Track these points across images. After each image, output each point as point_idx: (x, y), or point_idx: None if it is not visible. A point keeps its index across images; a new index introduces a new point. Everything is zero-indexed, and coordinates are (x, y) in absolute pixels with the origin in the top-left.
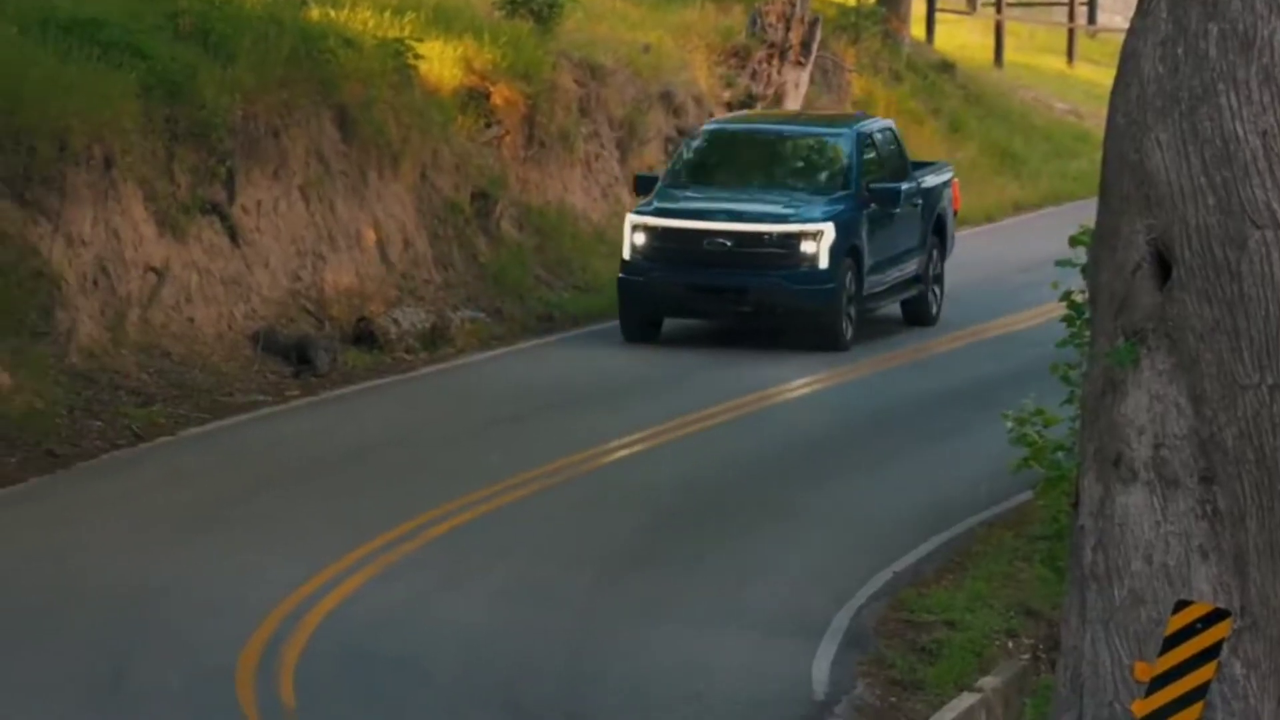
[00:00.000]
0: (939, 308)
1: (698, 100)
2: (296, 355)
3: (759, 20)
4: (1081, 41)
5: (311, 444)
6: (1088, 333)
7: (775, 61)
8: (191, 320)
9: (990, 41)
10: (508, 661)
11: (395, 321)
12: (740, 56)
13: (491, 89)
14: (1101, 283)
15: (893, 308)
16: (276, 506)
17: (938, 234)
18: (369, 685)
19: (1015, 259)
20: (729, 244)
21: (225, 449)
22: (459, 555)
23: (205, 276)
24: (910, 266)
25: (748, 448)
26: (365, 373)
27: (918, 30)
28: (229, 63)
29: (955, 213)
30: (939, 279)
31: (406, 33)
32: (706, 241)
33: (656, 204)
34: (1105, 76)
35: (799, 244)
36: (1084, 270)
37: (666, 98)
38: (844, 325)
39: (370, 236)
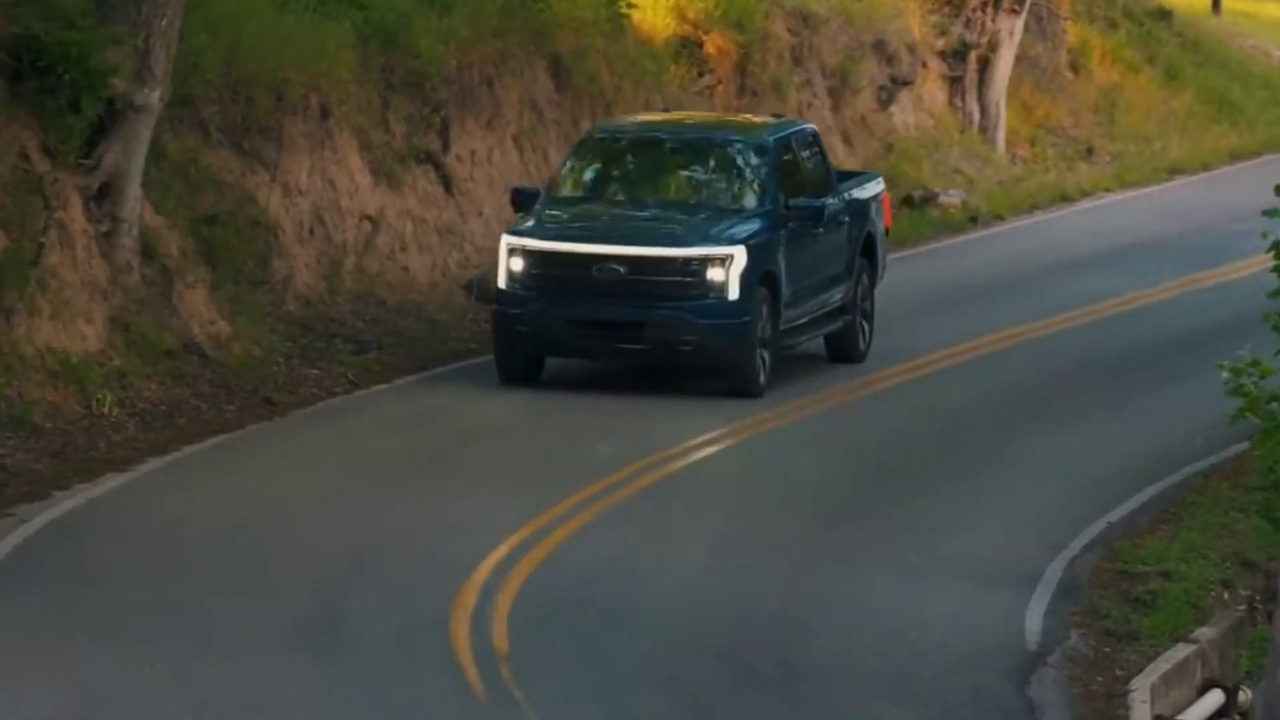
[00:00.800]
0: (869, 341)
1: (910, 49)
2: None
3: None
4: None
5: (524, 392)
6: None
7: (989, 9)
8: (406, 269)
9: None
10: (720, 609)
11: None
12: (954, 4)
13: (704, 38)
14: None
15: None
16: (490, 455)
17: (867, 256)
18: (582, 633)
19: (1230, 208)
20: (622, 270)
21: (439, 397)
22: (669, 504)
23: (419, 225)
24: (835, 295)
25: (960, 395)
26: None
27: None
28: (444, 13)
29: (887, 231)
30: (867, 309)
31: None
32: (596, 268)
33: (537, 223)
34: None
35: (705, 271)
36: None
37: (879, 46)
38: (758, 366)
39: None
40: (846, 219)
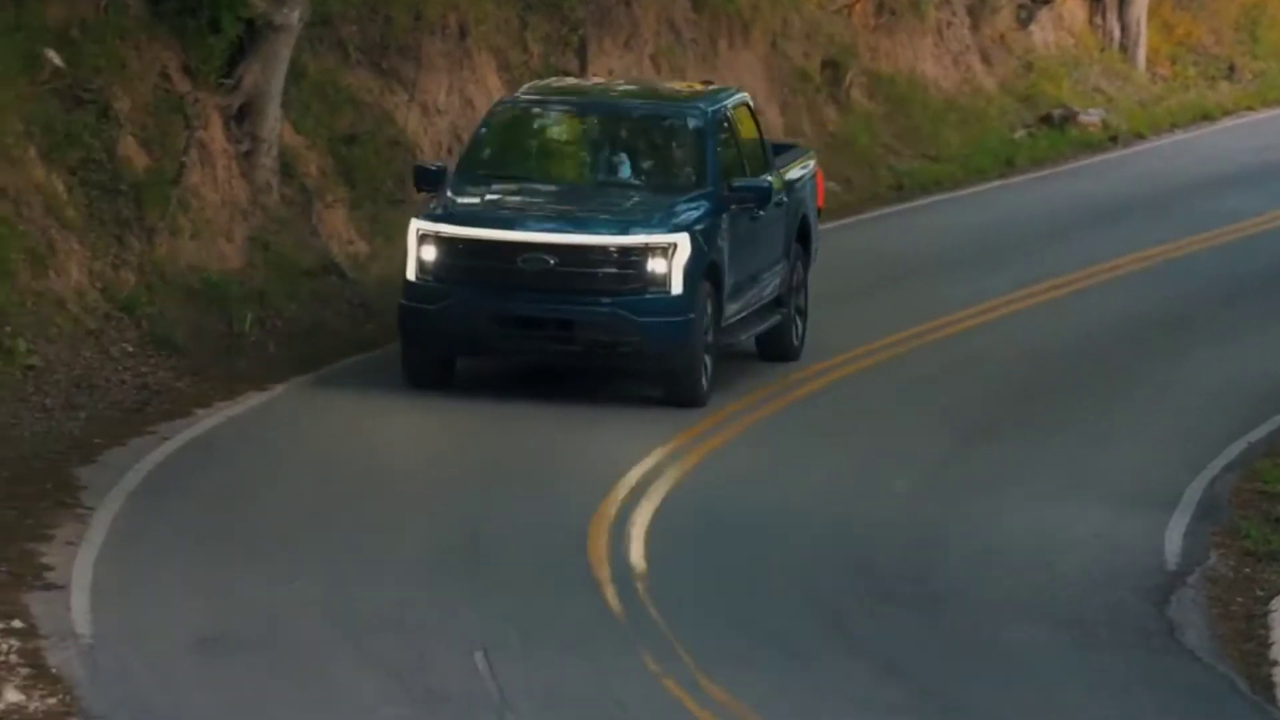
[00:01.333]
0: (803, 334)
1: None
2: None
3: None
4: None
5: None
6: None
7: None
8: None
9: None
10: (856, 530)
11: None
12: None
13: None
14: None
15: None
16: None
17: (801, 242)
18: (720, 550)
19: None
20: (552, 261)
21: None
22: (809, 423)
23: None
24: (771, 286)
25: (1099, 315)
26: None
27: None
28: None
29: (819, 211)
30: (801, 301)
31: None
32: (522, 258)
33: (451, 206)
34: None
35: (645, 262)
36: None
37: None
38: (701, 372)
39: None
40: (784, 199)
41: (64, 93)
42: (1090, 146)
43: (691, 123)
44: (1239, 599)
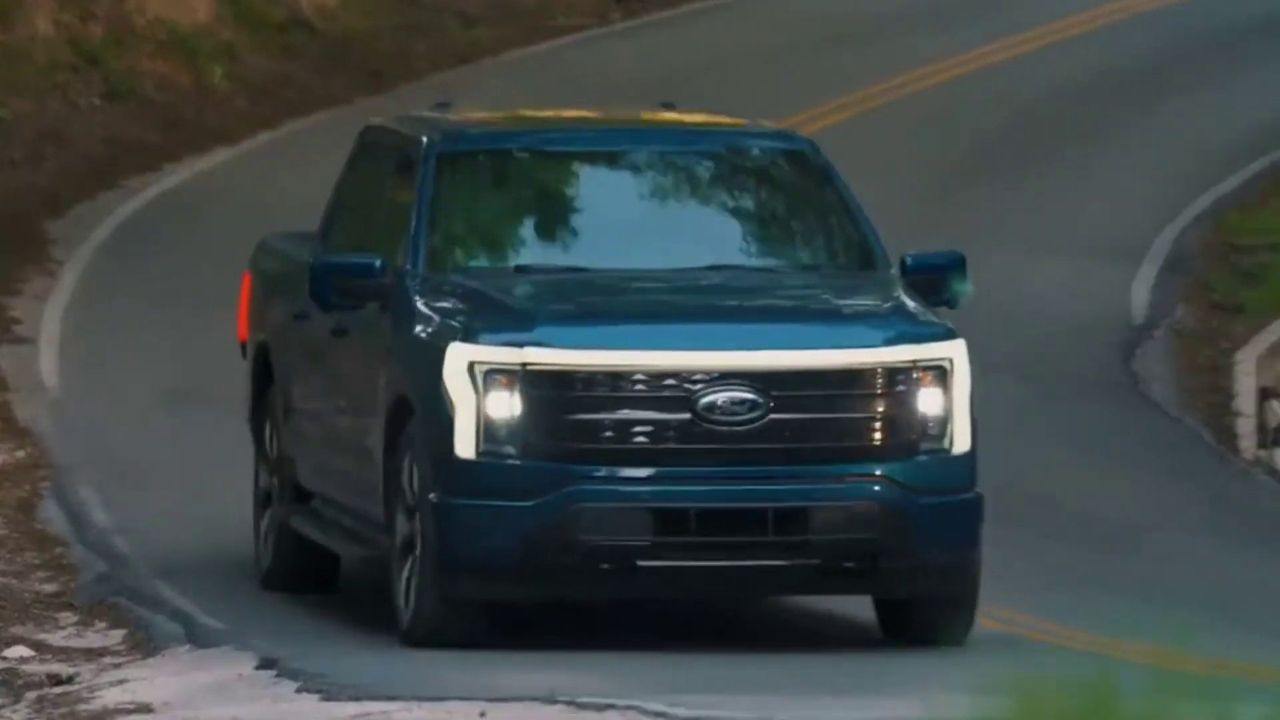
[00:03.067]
0: None
1: None
2: None
3: None
4: None
5: (633, 68)
6: None
7: None
8: None
9: None
10: None
11: None
12: None
13: None
14: None
15: None
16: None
17: None
18: None
19: None
20: (759, 400)
21: (548, 72)
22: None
23: None
24: None
25: (1074, 68)
26: None
27: None
28: None
29: None
30: None
31: None
32: (704, 400)
33: (538, 316)
34: None
35: (913, 395)
36: None
37: None
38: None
39: None
40: None
41: None
42: None
43: (805, 158)
44: (1205, 351)
